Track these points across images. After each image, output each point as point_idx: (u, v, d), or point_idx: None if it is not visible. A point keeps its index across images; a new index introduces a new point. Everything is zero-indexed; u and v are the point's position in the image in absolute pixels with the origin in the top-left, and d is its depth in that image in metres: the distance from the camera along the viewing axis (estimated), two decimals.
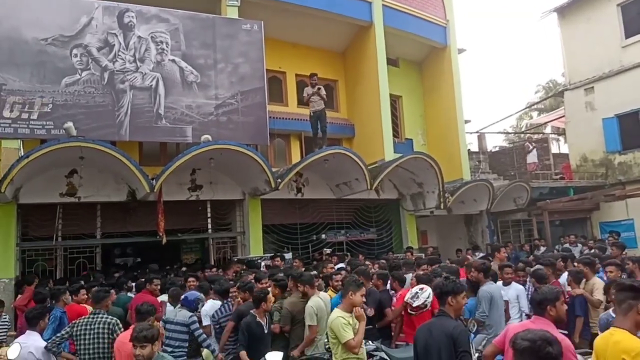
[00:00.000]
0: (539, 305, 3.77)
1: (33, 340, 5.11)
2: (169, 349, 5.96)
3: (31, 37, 10.04)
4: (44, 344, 5.13)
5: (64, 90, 10.14)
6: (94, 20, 10.58)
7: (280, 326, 6.09)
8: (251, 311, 5.81)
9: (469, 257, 10.27)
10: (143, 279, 8.31)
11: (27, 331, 5.25)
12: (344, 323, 4.77)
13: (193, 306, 6.36)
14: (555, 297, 3.76)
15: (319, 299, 6.03)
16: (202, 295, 6.80)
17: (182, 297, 6.48)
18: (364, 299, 5.11)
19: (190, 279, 8.18)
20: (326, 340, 5.69)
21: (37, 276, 9.63)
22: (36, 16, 10.13)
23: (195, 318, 6.17)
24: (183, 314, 6.15)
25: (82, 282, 8.30)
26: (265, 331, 5.75)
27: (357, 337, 4.76)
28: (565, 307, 3.96)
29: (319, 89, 12.54)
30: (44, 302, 7.06)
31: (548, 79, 38.11)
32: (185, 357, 6.13)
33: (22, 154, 9.65)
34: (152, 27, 11.07)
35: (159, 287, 7.68)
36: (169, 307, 6.81)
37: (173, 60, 11.19)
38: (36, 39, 10.07)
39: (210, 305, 6.94)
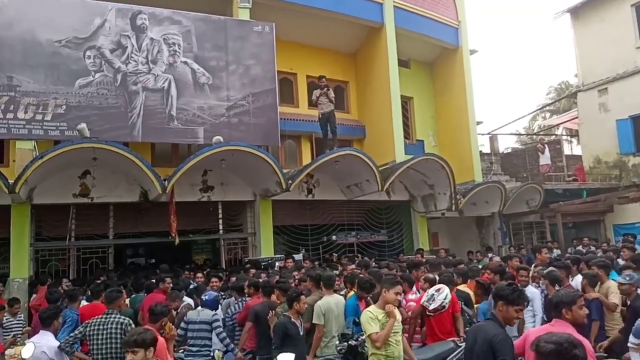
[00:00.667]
0: (555, 308, 3.75)
1: (46, 340, 5.14)
2: (195, 349, 6.04)
3: (45, 39, 10.13)
4: (57, 343, 5.16)
5: (77, 92, 10.22)
6: (107, 22, 10.65)
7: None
8: (285, 313, 5.84)
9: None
10: (153, 280, 8.34)
11: (41, 331, 5.28)
12: (370, 317, 4.93)
13: (214, 305, 6.42)
14: (572, 300, 3.72)
15: (330, 300, 6.05)
16: (219, 294, 6.86)
17: (203, 298, 6.49)
18: (399, 297, 5.15)
19: (214, 279, 8.20)
20: (337, 342, 5.69)
21: (51, 276, 9.74)
22: (50, 18, 10.23)
23: (217, 317, 6.24)
24: (206, 313, 6.21)
25: (97, 282, 8.41)
26: (301, 332, 5.76)
27: (381, 332, 4.85)
28: (585, 311, 3.86)
29: (327, 90, 12.56)
30: (57, 302, 7.13)
31: (560, 80, 37.77)
32: (211, 357, 6.16)
33: (36, 154, 9.75)
34: (165, 29, 11.13)
35: (170, 285, 7.73)
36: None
37: (185, 62, 11.24)
38: (50, 40, 10.16)
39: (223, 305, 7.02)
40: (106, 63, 10.56)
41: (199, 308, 6.44)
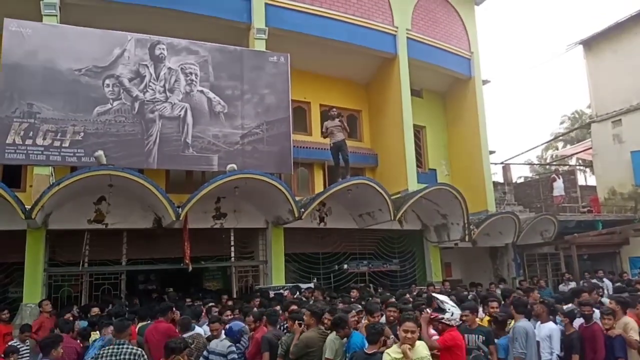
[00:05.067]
0: None
1: None
2: None
3: (66, 67, 10.37)
4: None
5: (95, 119, 10.41)
6: (126, 51, 10.90)
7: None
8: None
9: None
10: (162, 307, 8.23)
11: None
12: (388, 359, 4.77)
13: (236, 337, 6.35)
14: None
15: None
16: (246, 326, 6.75)
17: (227, 327, 6.43)
18: (408, 335, 4.84)
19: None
20: None
21: (62, 301, 9.74)
22: (71, 48, 10.48)
23: (234, 348, 6.14)
24: (223, 344, 6.15)
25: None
26: None
27: None
28: None
29: (341, 118, 12.67)
30: (70, 332, 7.12)
31: (573, 110, 37.77)
32: None
33: (53, 181, 9.87)
34: (182, 59, 11.36)
35: (177, 315, 7.64)
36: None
37: (201, 91, 11.42)
38: (70, 69, 10.40)
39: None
40: (124, 91, 10.76)
41: (223, 336, 6.40)
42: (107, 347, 5.40)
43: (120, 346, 5.29)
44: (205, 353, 6.19)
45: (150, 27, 11.51)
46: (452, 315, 5.41)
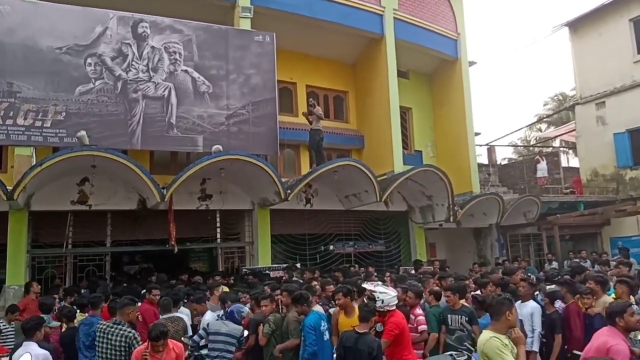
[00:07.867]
0: (609, 318, 4.35)
1: (31, 350, 5.08)
2: (214, 354, 5.92)
3: (46, 46, 10.15)
4: (42, 352, 5.10)
5: (77, 99, 10.22)
6: (108, 30, 10.68)
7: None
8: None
9: None
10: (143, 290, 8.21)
11: (24, 342, 5.19)
12: (501, 345, 3.98)
13: (238, 320, 6.28)
14: (622, 309, 4.31)
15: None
16: (245, 308, 6.64)
17: (228, 311, 6.35)
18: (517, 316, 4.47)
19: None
20: None
21: (36, 282, 9.64)
22: (52, 25, 10.25)
23: (246, 332, 6.17)
24: (235, 327, 6.07)
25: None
26: None
27: None
28: (637, 318, 4.36)
29: (312, 108, 12.55)
30: (50, 311, 7.08)
31: (557, 92, 37.95)
32: None
33: (35, 161, 9.73)
34: (166, 38, 11.16)
35: (157, 297, 7.59)
36: (211, 317, 6.67)
37: (186, 71, 11.26)
38: (51, 47, 10.18)
39: (211, 315, 6.88)
40: (107, 70, 10.57)
41: (218, 317, 6.34)
42: (103, 323, 5.38)
43: (115, 326, 5.25)
44: (202, 332, 6.10)
45: (133, 4, 11.24)
46: (382, 302, 5.36)
